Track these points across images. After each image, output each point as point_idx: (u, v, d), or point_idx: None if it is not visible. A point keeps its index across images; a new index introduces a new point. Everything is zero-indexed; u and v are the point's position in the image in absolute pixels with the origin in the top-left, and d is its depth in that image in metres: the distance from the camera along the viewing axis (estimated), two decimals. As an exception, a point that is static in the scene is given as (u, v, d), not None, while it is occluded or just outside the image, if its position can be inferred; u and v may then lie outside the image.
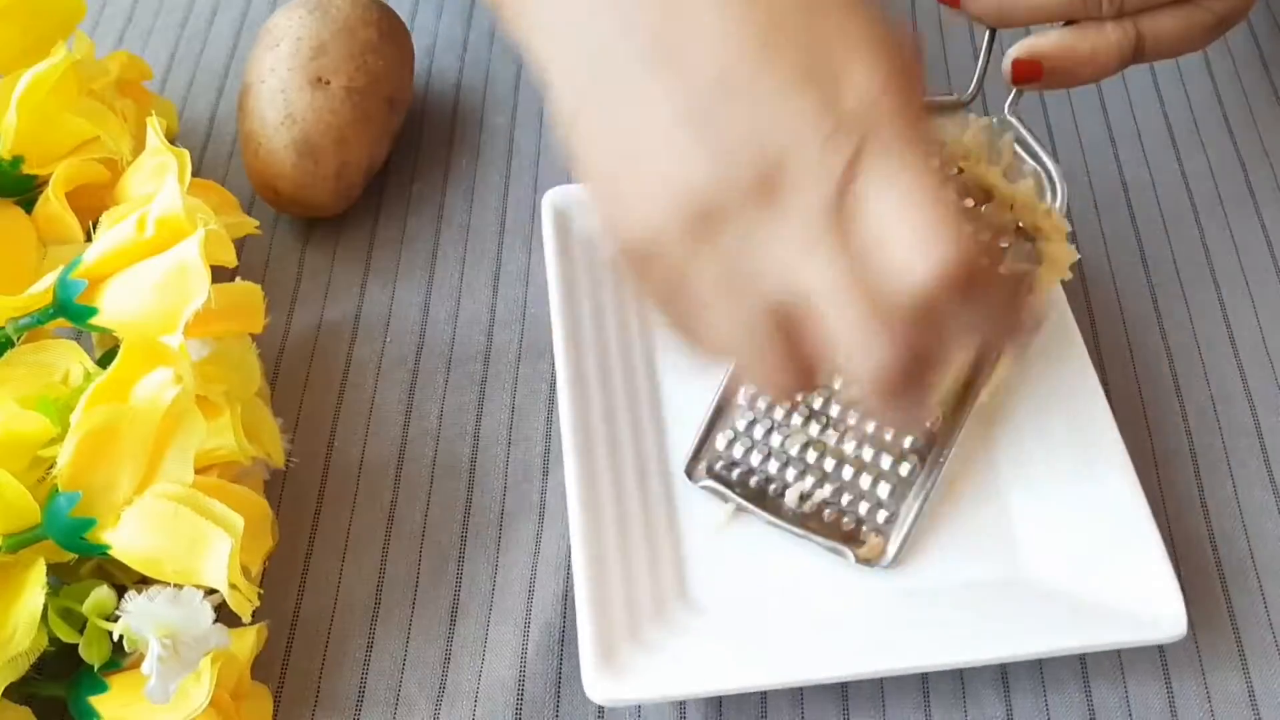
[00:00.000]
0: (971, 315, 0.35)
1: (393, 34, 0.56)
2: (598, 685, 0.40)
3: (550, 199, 0.52)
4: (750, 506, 0.45)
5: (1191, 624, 0.42)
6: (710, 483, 0.46)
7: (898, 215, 0.34)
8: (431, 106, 0.60)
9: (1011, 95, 0.46)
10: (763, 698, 0.43)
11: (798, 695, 0.43)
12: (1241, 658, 0.43)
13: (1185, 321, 0.52)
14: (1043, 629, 0.41)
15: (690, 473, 0.46)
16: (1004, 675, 0.43)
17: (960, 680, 0.43)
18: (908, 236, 0.33)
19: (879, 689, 0.43)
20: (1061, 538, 0.44)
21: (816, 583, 0.44)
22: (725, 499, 0.46)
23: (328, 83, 0.53)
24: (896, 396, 0.36)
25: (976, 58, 0.46)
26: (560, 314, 0.48)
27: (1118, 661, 0.43)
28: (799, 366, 0.36)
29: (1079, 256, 0.45)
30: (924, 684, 0.43)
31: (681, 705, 0.43)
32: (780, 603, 0.44)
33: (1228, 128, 0.58)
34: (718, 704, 0.43)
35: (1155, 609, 0.41)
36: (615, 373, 0.48)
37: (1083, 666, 0.43)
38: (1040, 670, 0.43)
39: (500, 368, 0.51)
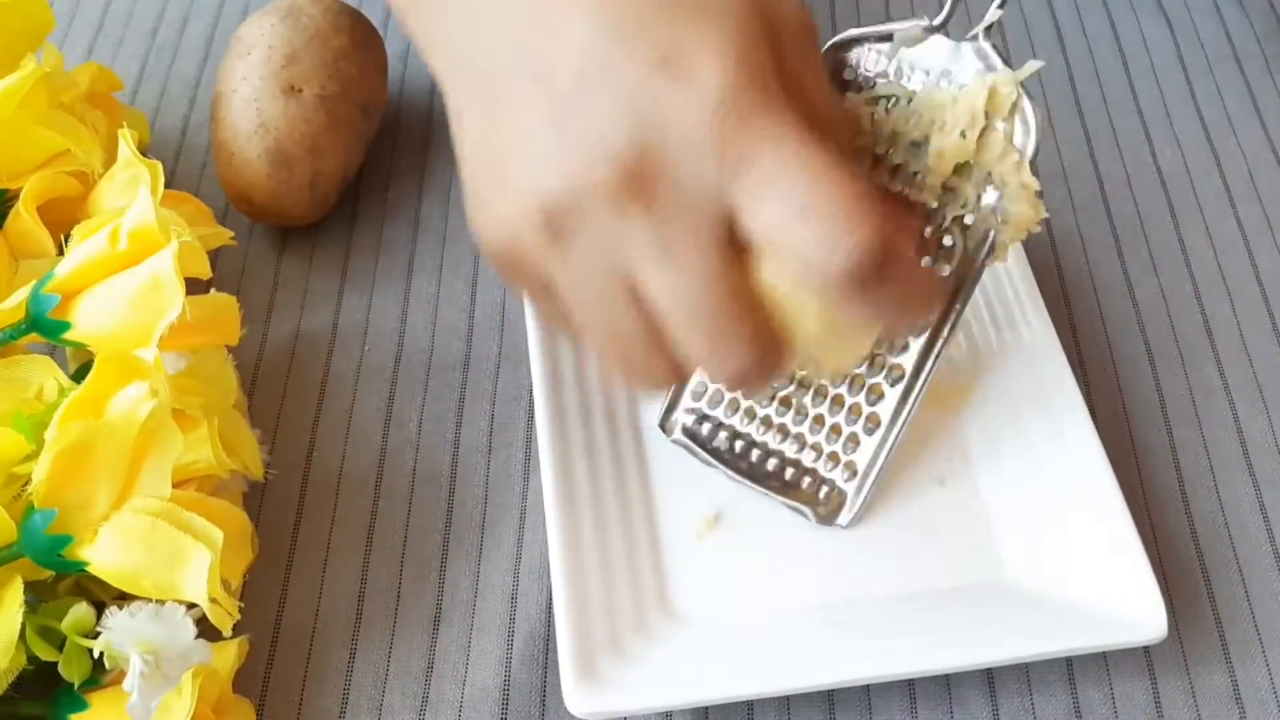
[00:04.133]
0: (882, 303, 0.34)
1: (365, 40, 0.55)
2: (577, 698, 0.40)
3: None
4: (715, 463, 0.46)
5: (1175, 620, 0.42)
6: (681, 437, 0.47)
7: (789, 208, 0.32)
8: (406, 112, 0.60)
9: (989, 15, 0.40)
10: (749, 705, 0.43)
11: (784, 702, 0.43)
12: (1225, 653, 0.43)
13: (1164, 316, 0.52)
14: (1025, 634, 0.41)
15: (664, 426, 0.47)
16: (990, 677, 0.43)
17: (946, 683, 0.43)
18: (810, 228, 0.32)
19: (865, 694, 0.43)
20: (1042, 541, 0.44)
21: (799, 589, 0.44)
22: (694, 454, 0.46)
23: (300, 91, 0.52)
24: (755, 385, 0.37)
25: None
26: (535, 318, 0.48)
27: (1103, 661, 0.43)
28: (668, 363, 0.36)
29: (1045, 215, 0.41)
30: (910, 688, 0.43)
31: (668, 715, 0.43)
32: (762, 610, 0.43)
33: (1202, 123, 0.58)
34: (704, 713, 0.43)
35: (1137, 611, 0.41)
36: (592, 377, 0.48)
37: (1068, 667, 0.43)
38: (1026, 672, 0.43)
39: (479, 375, 0.51)
